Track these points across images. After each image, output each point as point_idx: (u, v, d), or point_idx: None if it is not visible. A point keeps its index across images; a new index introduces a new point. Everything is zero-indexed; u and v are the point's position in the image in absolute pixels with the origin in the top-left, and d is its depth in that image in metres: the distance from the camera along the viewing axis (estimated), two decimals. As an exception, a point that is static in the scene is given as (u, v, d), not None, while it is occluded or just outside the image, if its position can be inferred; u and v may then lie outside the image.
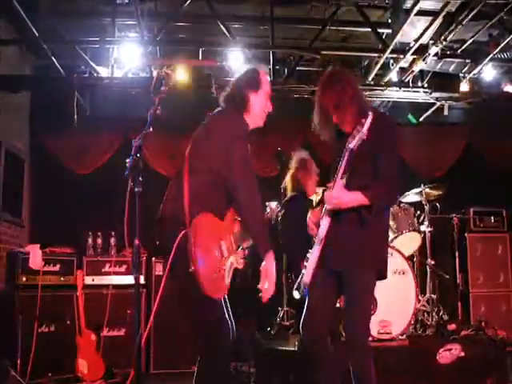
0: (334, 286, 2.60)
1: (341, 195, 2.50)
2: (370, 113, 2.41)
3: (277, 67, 5.60)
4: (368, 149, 2.47)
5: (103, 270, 4.79)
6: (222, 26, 4.97)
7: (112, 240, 4.97)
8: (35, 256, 4.52)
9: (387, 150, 2.53)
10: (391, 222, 4.58)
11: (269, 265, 2.42)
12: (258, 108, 2.65)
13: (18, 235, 5.34)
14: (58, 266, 4.69)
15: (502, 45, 5.10)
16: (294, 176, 4.34)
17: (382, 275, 2.61)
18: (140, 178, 2.10)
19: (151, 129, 2.29)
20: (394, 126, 2.67)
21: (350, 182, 2.49)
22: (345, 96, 2.56)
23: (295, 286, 2.61)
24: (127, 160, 2.20)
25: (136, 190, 2.14)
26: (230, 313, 2.53)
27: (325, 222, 2.57)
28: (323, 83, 2.68)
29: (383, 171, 2.50)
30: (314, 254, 2.60)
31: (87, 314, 4.43)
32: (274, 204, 3.15)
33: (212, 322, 2.44)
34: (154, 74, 5.04)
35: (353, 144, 2.43)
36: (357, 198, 2.48)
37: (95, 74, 5.26)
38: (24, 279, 4.49)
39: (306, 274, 2.58)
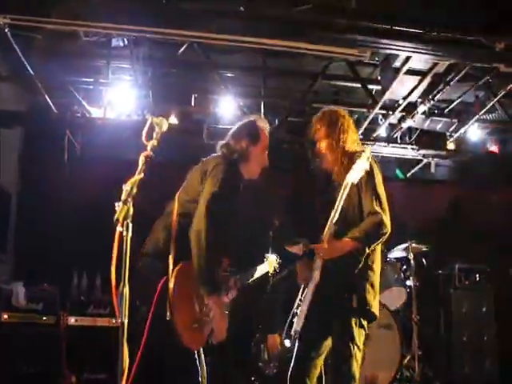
0: (323, 335, 2.62)
1: (330, 250, 2.58)
2: (366, 154, 2.54)
3: (267, 117, 5.75)
4: (364, 184, 2.60)
5: (87, 311, 4.71)
6: (215, 75, 5.14)
7: (97, 281, 4.94)
8: (18, 293, 4.48)
9: (375, 184, 2.64)
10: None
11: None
12: (255, 160, 2.77)
13: (1, 271, 5.28)
14: (40, 305, 4.61)
15: (488, 106, 5.34)
16: None
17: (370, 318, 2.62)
18: (130, 224, 2.13)
19: (143, 175, 2.34)
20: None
21: (342, 223, 2.57)
22: (339, 132, 2.72)
23: (284, 334, 2.63)
24: (116, 204, 2.22)
25: (124, 235, 2.16)
26: (204, 364, 2.53)
27: (317, 270, 2.61)
28: (320, 118, 2.83)
29: (370, 207, 2.60)
30: (305, 302, 2.63)
31: (69, 356, 4.37)
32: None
33: (181, 373, 2.45)
34: (147, 117, 5.16)
35: (353, 177, 2.52)
36: (346, 247, 2.56)
37: (88, 115, 5.37)
38: (5, 316, 4.43)
39: (297, 321, 2.60)
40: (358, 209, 2.62)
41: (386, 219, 2.58)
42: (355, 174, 2.52)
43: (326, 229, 2.60)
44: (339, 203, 2.55)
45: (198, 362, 2.51)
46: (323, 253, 2.60)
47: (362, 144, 5.52)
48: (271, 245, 4.41)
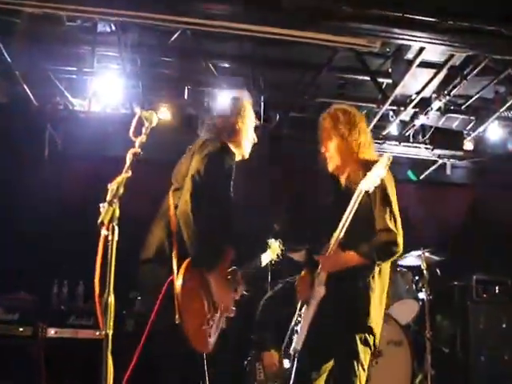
0: (325, 353, 2.65)
1: (335, 263, 2.61)
2: (384, 161, 2.54)
3: (267, 112, 5.79)
4: (379, 197, 2.62)
5: (68, 322, 4.72)
6: (209, 65, 5.17)
7: (79, 289, 4.96)
8: (-8, 302, 4.51)
9: (391, 202, 2.66)
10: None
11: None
12: (244, 136, 2.89)
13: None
14: (17, 315, 4.63)
15: (510, 103, 5.37)
16: None
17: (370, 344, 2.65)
18: (116, 226, 2.15)
19: (130, 173, 2.37)
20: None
21: (350, 234, 2.59)
22: (349, 131, 2.76)
23: (282, 352, 2.65)
24: (101, 205, 2.25)
25: (110, 238, 2.18)
26: (206, 373, 2.56)
27: (321, 285, 2.64)
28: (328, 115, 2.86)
29: (383, 224, 2.61)
30: (306, 318, 2.65)
31: (48, 371, 4.37)
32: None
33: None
34: (136, 110, 5.20)
35: (368, 185, 2.52)
36: (352, 261, 2.60)
37: (70, 107, 5.40)
38: (-22, 327, 4.45)
39: (297, 340, 2.62)
40: (368, 221, 2.64)
41: (400, 239, 2.63)
42: (370, 182, 2.52)
43: (333, 239, 2.63)
44: (350, 213, 2.56)
45: (202, 373, 2.54)
46: (327, 265, 2.63)
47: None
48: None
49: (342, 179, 2.82)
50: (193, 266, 2.47)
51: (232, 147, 2.80)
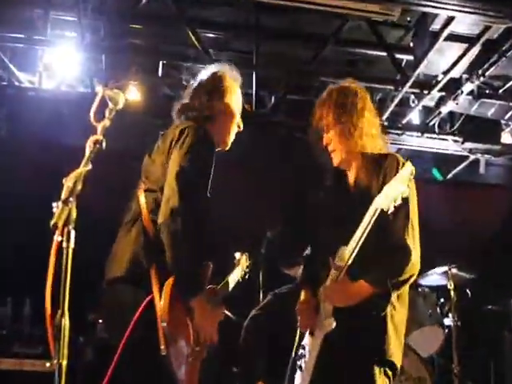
0: None
1: (342, 295, 2.62)
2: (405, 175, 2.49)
3: (260, 93, 5.80)
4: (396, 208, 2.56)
5: (11, 351, 4.68)
6: (190, 34, 5.18)
7: (25, 309, 4.96)
8: None
9: (408, 213, 2.64)
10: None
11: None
12: (225, 121, 2.87)
13: None
14: None
15: (558, 86, 5.43)
16: None
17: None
18: (72, 230, 2.14)
19: (90, 165, 2.38)
20: None
21: (361, 255, 2.57)
22: (353, 115, 2.75)
23: None
24: (54, 204, 2.25)
25: (65, 246, 2.18)
26: None
27: (328, 316, 2.65)
28: (326, 99, 2.84)
29: (401, 239, 2.61)
30: (312, 351, 2.65)
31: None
32: None
33: None
34: (98, 89, 5.20)
35: (385, 203, 2.46)
36: (362, 293, 2.59)
37: (17, 83, 5.40)
38: None
39: (302, 378, 2.63)
40: (382, 238, 2.62)
41: (417, 258, 2.64)
42: (389, 199, 2.46)
43: (340, 261, 2.60)
44: (362, 234, 2.53)
45: None
46: (333, 298, 2.64)
47: (387, 133, 5.75)
48: (262, 263, 4.49)
49: (350, 177, 2.84)
50: (178, 291, 2.44)
51: (211, 132, 2.77)
